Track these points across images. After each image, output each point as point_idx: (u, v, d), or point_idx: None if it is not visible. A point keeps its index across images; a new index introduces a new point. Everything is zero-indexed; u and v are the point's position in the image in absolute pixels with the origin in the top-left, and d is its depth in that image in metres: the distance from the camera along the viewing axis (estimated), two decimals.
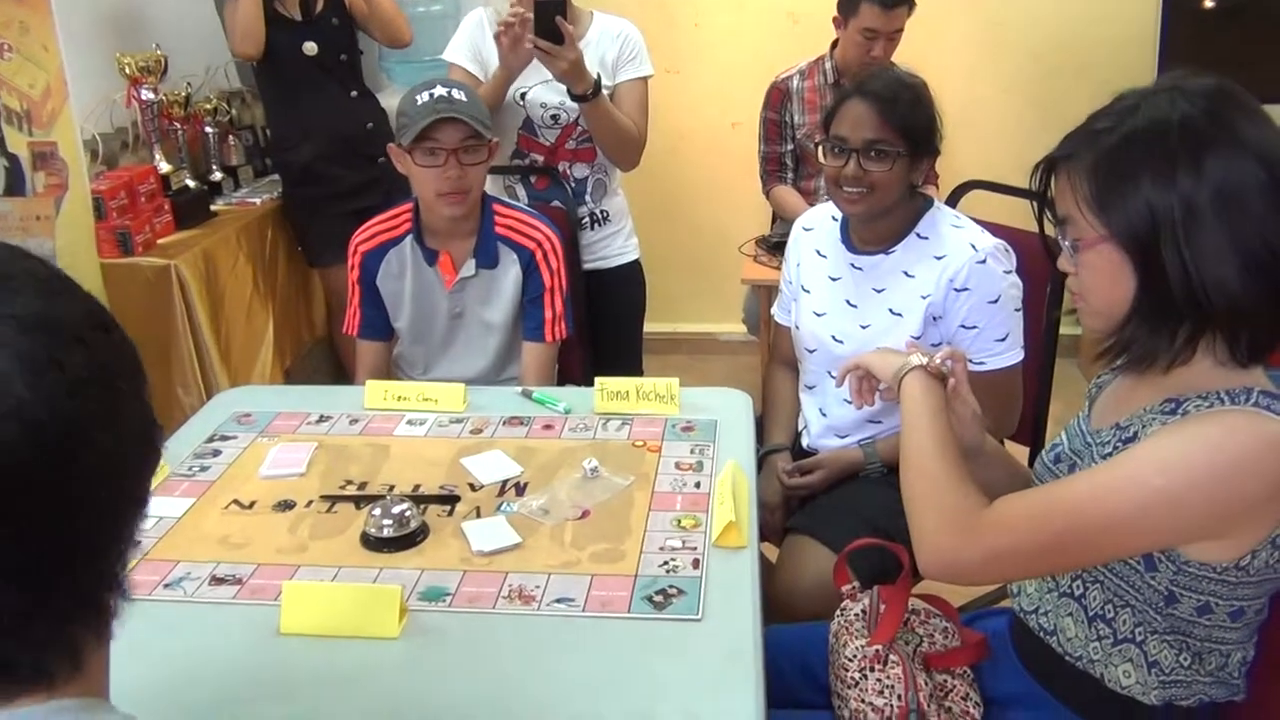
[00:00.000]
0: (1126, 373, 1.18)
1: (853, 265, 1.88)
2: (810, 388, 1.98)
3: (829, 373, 1.88)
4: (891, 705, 1.26)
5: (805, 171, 3.08)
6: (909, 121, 1.75)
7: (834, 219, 1.95)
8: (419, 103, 1.89)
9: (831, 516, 1.80)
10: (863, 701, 1.28)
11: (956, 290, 1.77)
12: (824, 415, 1.95)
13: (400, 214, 2.06)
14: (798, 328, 1.98)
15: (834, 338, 1.89)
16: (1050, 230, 1.17)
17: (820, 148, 1.83)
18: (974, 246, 1.77)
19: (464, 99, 1.91)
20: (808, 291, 1.95)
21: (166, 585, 1.35)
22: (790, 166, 3.09)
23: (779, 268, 2.17)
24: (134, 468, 0.67)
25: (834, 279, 1.91)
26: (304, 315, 3.25)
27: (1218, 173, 1.02)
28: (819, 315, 1.92)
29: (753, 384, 2.40)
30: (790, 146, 3.07)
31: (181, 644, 1.25)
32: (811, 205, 2.53)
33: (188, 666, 1.21)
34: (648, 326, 2.71)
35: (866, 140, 1.75)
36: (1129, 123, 1.06)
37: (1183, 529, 1.07)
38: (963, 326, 1.78)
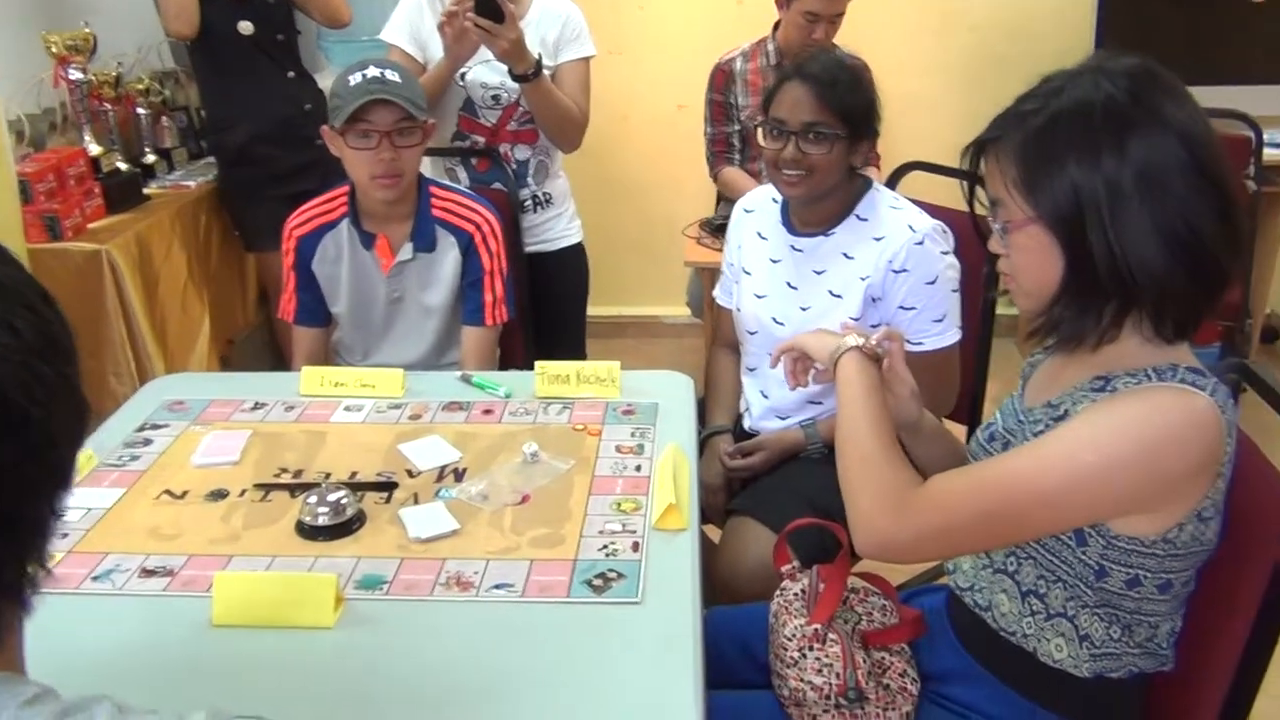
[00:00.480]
0: (1056, 351, 1.19)
1: (793, 247, 1.89)
2: (751, 369, 1.99)
3: (769, 354, 1.89)
4: (830, 683, 1.27)
5: (750, 154, 3.07)
6: (848, 104, 1.76)
7: (775, 201, 1.95)
8: (351, 84, 1.86)
9: (773, 497, 1.80)
10: (801, 680, 1.28)
11: (895, 271, 1.78)
12: (765, 397, 1.95)
13: (336, 197, 2.03)
14: (739, 310, 1.98)
15: (774, 319, 1.89)
16: (983, 211, 1.18)
17: (760, 130, 1.83)
18: (912, 228, 1.78)
19: (397, 80, 1.87)
20: (749, 274, 1.95)
21: (95, 578, 1.32)
22: (737, 147, 3.08)
23: (722, 250, 2.17)
24: (69, 441, 0.67)
25: (774, 261, 1.92)
26: (241, 301, 3.19)
27: (1140, 153, 1.03)
28: (760, 297, 1.92)
29: (697, 366, 2.40)
30: (736, 127, 3.07)
31: (111, 638, 1.22)
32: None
33: (117, 662, 1.18)
34: (592, 310, 2.70)
35: (805, 123, 1.75)
36: (1054, 105, 1.07)
37: (1113, 503, 1.09)
38: (901, 307, 1.79)
